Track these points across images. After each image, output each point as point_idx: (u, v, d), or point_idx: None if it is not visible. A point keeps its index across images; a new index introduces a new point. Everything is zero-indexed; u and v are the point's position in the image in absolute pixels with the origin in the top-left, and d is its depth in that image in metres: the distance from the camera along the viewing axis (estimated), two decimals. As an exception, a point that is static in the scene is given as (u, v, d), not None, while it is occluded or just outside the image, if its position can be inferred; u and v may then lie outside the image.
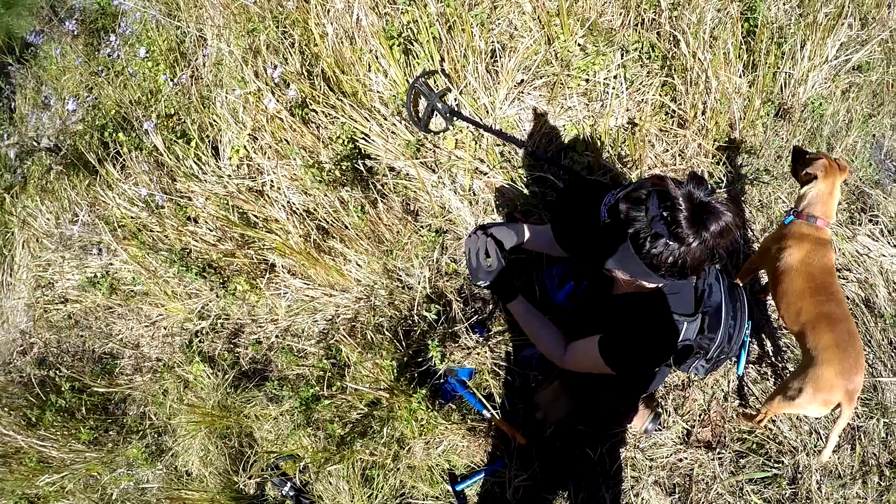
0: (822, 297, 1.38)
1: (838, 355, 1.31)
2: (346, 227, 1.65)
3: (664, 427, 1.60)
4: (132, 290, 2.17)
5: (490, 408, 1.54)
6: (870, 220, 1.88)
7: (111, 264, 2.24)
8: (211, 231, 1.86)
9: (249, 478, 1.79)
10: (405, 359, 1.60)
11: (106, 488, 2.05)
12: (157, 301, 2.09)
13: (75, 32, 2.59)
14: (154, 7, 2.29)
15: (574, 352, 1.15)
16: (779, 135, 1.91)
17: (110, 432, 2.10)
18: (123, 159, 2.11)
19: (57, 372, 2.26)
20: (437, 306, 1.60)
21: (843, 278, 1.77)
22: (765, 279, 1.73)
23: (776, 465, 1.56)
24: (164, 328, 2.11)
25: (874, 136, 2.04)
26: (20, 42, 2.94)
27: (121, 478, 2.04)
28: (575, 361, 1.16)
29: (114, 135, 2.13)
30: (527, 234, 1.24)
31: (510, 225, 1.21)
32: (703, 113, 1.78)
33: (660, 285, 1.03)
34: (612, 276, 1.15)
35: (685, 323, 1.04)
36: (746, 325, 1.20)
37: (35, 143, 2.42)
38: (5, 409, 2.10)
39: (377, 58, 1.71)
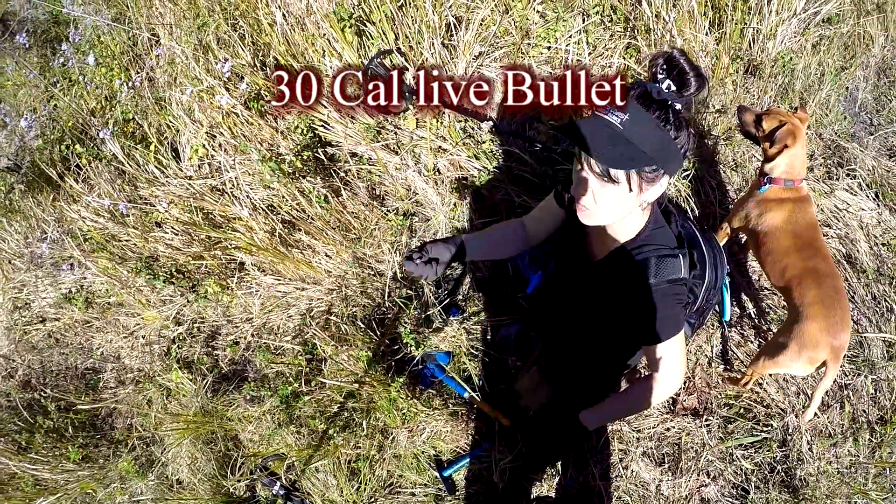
0: (809, 252, 1.34)
1: (824, 311, 1.28)
2: (312, 218, 1.61)
3: (649, 397, 1.57)
4: (107, 302, 2.14)
5: (470, 390, 1.51)
6: (847, 175, 1.84)
7: (84, 278, 2.21)
8: (177, 235, 1.82)
9: (238, 481, 1.77)
10: (381, 348, 1.57)
11: (102, 505, 2.03)
12: (133, 311, 2.05)
13: (27, 45, 2.52)
14: (103, 11, 2.22)
15: (654, 375, 1.04)
16: (749, 91, 1.86)
17: (100, 448, 2.08)
18: (84, 171, 2.06)
19: (42, 393, 2.24)
20: (409, 291, 1.57)
21: (824, 235, 1.73)
22: (744, 238, 1.70)
23: (765, 429, 1.53)
24: (143, 337, 2.08)
25: (847, 88, 2.00)
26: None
27: (115, 493, 2.02)
28: (665, 375, 1.03)
29: (71, 147, 2.08)
30: (472, 245, 1.13)
31: (448, 239, 1.11)
32: (670, 74, 1.73)
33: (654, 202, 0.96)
34: (586, 242, 1.11)
35: (680, 255, 0.98)
36: (726, 268, 1.17)
37: (-5, 164, 2.37)
38: (-3, 436, 2.09)
39: (330, 42, 1.66)
